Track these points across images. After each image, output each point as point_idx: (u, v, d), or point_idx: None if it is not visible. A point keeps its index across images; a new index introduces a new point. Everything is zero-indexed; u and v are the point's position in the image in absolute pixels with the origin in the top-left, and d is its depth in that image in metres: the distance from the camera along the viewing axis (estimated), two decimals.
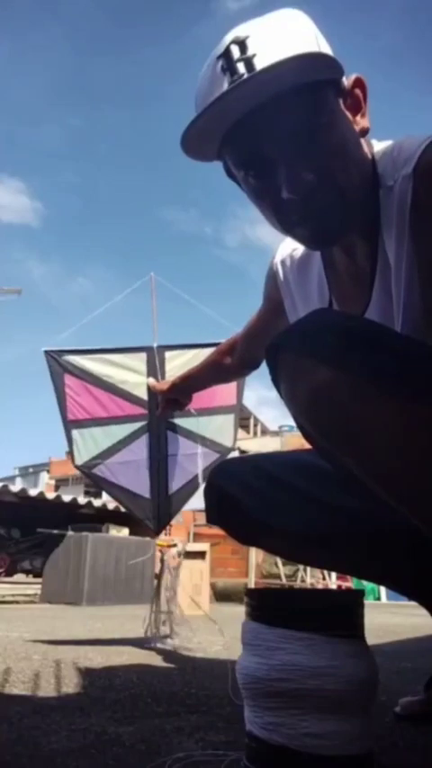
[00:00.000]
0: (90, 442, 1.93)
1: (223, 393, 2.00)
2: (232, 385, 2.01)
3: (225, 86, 0.67)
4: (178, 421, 1.95)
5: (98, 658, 1.75)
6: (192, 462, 1.98)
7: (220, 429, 1.98)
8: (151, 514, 1.98)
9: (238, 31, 0.68)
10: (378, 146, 0.79)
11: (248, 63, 0.66)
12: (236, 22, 0.70)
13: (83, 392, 1.92)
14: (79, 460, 1.93)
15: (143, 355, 1.93)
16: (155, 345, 1.90)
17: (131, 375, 1.91)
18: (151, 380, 1.80)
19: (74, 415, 1.92)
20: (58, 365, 1.92)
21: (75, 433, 1.91)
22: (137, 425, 1.91)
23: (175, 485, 1.99)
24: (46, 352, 1.93)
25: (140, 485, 1.98)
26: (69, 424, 1.92)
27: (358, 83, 0.75)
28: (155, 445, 1.93)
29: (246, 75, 0.66)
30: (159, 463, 1.94)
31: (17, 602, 5.31)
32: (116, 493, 1.99)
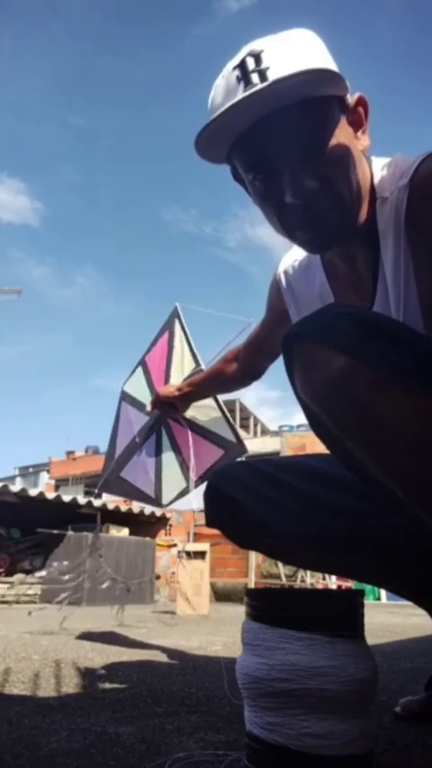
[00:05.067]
0: (137, 384, 2.14)
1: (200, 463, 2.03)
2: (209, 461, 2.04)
3: (239, 94, 0.70)
4: (165, 443, 1.99)
5: (98, 658, 1.75)
6: (138, 472, 2.04)
7: (169, 480, 2.01)
8: (107, 471, 2.12)
9: (254, 45, 0.73)
10: (376, 161, 0.82)
11: (262, 74, 0.70)
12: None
13: (161, 353, 2.11)
14: (126, 387, 2.16)
15: (193, 366, 2.01)
16: (202, 367, 1.96)
17: (177, 372, 2.01)
18: (160, 390, 1.83)
19: (149, 359, 2.13)
20: (170, 323, 2.12)
21: (139, 369, 2.15)
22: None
23: (120, 469, 2.11)
24: (176, 307, 2.12)
25: (122, 440, 2.10)
26: (144, 362, 2.14)
27: (361, 101, 0.79)
28: (143, 429, 1.99)
29: (259, 85, 0.69)
30: (132, 442, 2.04)
31: (18, 603, 5.31)
32: (116, 425, 2.15)
